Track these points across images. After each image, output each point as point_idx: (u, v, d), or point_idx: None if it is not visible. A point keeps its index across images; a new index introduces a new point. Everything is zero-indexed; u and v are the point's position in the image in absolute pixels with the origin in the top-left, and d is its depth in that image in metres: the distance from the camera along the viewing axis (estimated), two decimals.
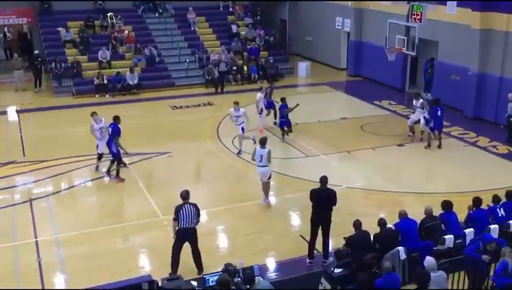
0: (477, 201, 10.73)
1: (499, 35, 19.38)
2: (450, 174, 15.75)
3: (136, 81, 24.00)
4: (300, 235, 11.95)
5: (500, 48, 19.41)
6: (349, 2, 26.70)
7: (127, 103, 23.02)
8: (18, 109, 21.88)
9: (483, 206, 10.85)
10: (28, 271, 10.81)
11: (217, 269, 9.36)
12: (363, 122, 20.01)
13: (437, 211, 10.59)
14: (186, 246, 10.48)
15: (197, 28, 28.38)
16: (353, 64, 27.55)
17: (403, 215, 10.24)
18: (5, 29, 28.19)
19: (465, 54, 20.53)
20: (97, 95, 23.41)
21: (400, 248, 9.63)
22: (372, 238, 10.00)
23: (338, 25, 28.30)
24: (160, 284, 8.76)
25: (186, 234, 10.34)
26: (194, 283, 8.88)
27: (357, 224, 9.94)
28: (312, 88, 26.04)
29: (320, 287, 9.59)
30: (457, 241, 10.03)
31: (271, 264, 11.18)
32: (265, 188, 13.46)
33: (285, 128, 17.96)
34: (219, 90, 24.60)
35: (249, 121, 17.14)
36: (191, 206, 10.33)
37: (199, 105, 22.45)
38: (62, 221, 12.91)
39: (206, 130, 18.42)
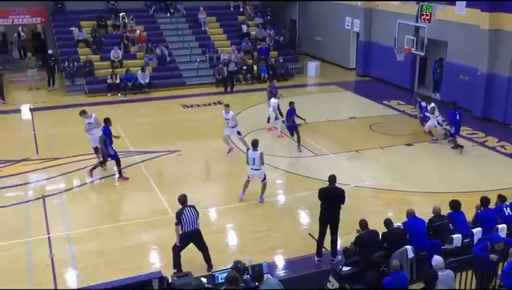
0: (485, 201, 10.75)
1: (508, 36, 19.34)
2: (459, 174, 15.83)
3: (147, 80, 24.19)
4: (309, 234, 12.03)
5: (509, 48, 19.38)
6: (359, 2, 26.73)
7: (139, 101, 23.27)
8: (31, 107, 22.14)
9: (492, 206, 10.87)
10: (40, 267, 10.98)
11: (226, 266, 9.46)
12: (372, 122, 20.06)
13: (445, 211, 10.62)
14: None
15: (207, 28, 28.55)
16: (362, 64, 27.59)
17: (410, 214, 10.30)
18: (19, 28, 28.48)
19: (474, 54, 20.50)
20: (109, 94, 23.65)
21: (408, 247, 9.64)
22: (380, 237, 10.05)
23: (347, 25, 28.31)
24: (170, 281, 8.83)
25: (190, 237, 10.40)
26: (204, 280, 8.98)
27: (364, 224, 10.00)
28: (321, 88, 26.11)
29: (328, 285, 9.63)
30: (465, 241, 10.01)
31: (279, 262, 11.26)
32: (262, 188, 13.58)
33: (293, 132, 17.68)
34: (229, 89, 24.73)
35: (238, 124, 16.85)
36: (191, 209, 10.42)
37: (209, 104, 22.60)
38: (74, 218, 13.08)
39: (216, 129, 18.53)
